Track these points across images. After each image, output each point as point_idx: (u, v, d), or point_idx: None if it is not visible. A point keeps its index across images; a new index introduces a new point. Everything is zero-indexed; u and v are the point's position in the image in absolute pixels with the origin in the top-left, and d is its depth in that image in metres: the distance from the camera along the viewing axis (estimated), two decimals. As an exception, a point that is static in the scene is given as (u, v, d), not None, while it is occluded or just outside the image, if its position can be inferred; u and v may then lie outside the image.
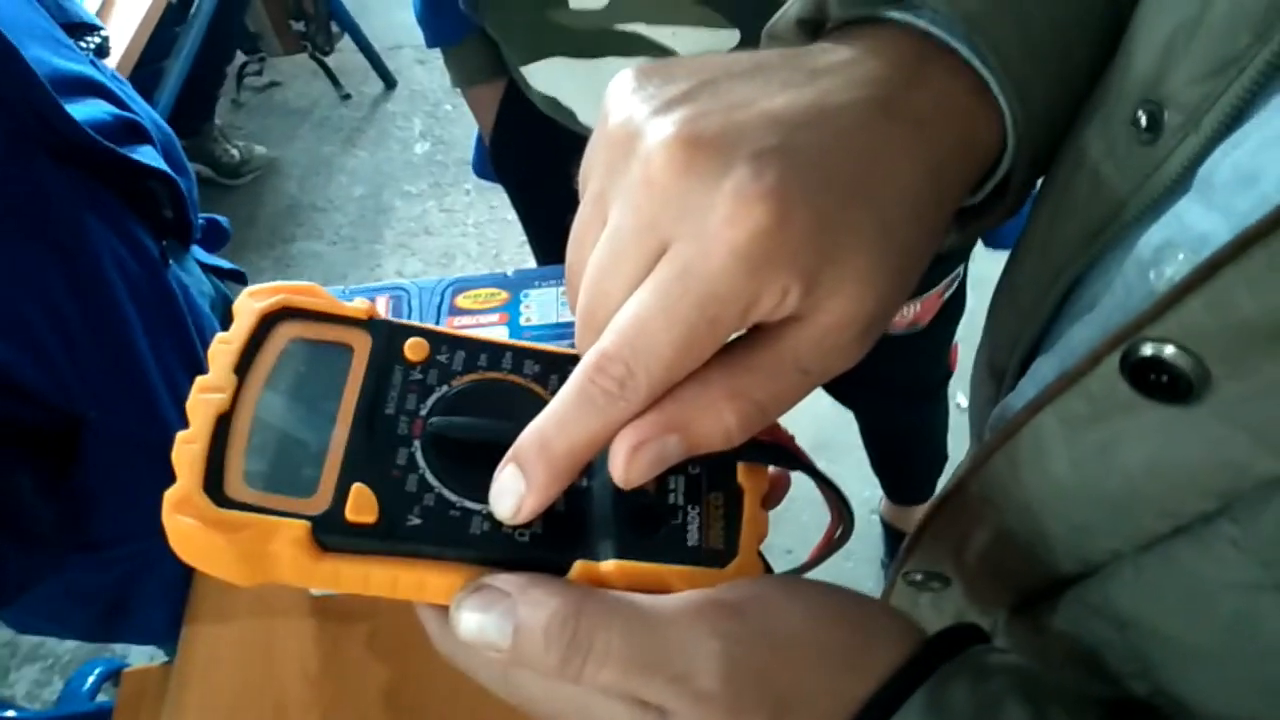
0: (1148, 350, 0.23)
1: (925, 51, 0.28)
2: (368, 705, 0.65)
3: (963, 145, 0.28)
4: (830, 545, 0.32)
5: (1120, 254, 0.28)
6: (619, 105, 0.26)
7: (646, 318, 0.24)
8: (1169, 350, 0.22)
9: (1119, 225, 0.28)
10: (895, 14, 0.28)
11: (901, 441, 1.36)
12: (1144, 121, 0.26)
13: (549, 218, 1.04)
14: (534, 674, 0.25)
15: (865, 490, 1.58)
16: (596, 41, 0.78)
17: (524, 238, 2.13)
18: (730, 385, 0.25)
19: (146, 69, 1.63)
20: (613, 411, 0.24)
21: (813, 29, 0.31)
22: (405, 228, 2.22)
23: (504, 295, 0.72)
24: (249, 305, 0.28)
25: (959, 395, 1.63)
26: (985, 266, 1.15)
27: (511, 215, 2.18)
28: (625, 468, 0.25)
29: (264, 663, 0.67)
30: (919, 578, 0.37)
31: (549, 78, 0.84)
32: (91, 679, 1.34)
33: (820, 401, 1.42)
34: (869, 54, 0.27)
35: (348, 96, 2.54)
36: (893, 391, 1.19)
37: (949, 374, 1.24)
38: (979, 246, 1.02)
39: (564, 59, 0.81)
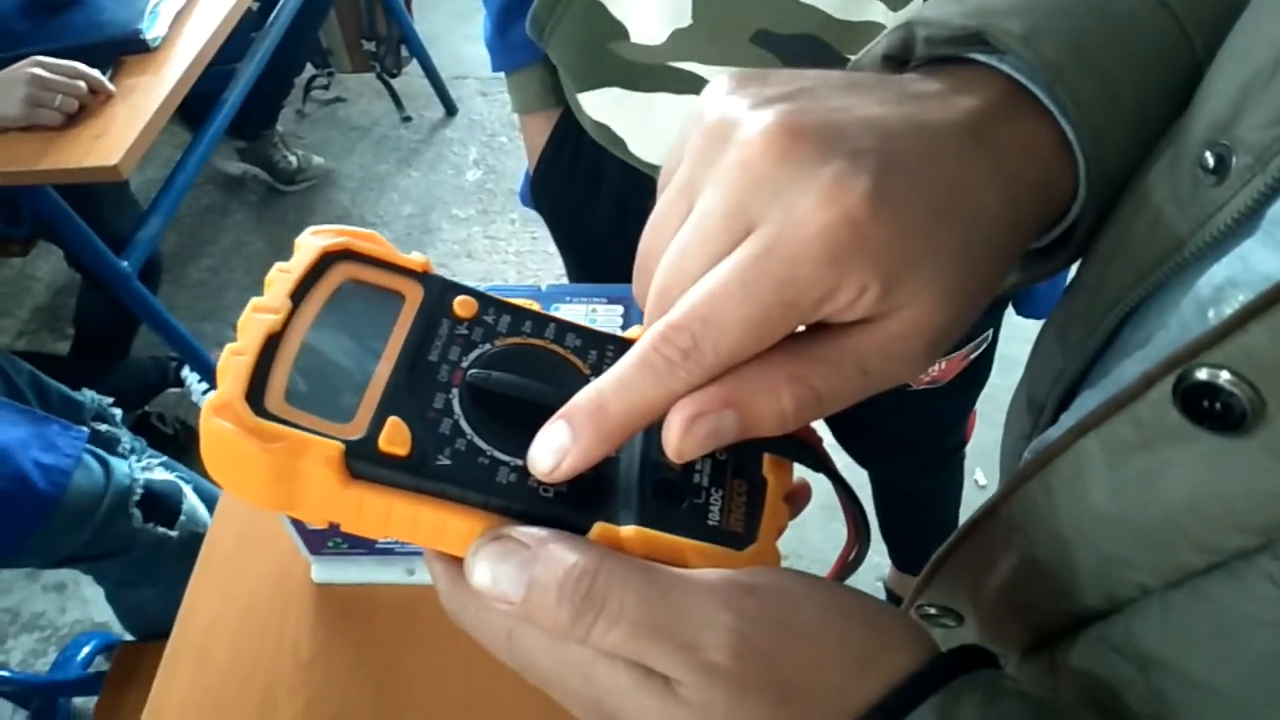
0: (1202, 375, 0.22)
1: (1011, 94, 0.28)
2: (355, 694, 0.64)
3: (1040, 186, 0.28)
4: (846, 566, 0.31)
5: (1176, 292, 0.28)
6: (716, 102, 0.26)
7: (722, 293, 0.24)
8: (1224, 377, 0.22)
9: (1176, 263, 0.28)
10: (980, 56, 0.29)
11: (913, 506, 1.34)
12: (1211, 163, 0.26)
13: (585, 250, 1.05)
14: (540, 634, 0.25)
15: (874, 556, 1.55)
16: (653, 76, 0.79)
17: (562, 270, 2.16)
18: (793, 369, 0.25)
19: (219, 69, 1.68)
20: (672, 381, 0.24)
21: (897, 66, 0.31)
22: (449, 249, 2.25)
23: (535, 307, 0.72)
24: (312, 241, 0.29)
25: (977, 471, 1.62)
26: (1013, 347, 1.15)
27: (553, 248, 2.22)
28: (680, 438, 0.24)
29: (258, 643, 0.67)
30: (932, 611, 0.36)
31: (604, 107, 0.86)
32: (87, 649, 1.34)
33: (834, 462, 1.41)
34: (959, 88, 0.28)
35: (408, 119, 2.60)
36: (908, 450, 1.18)
37: (964, 442, 1.23)
38: (1010, 316, 1.02)
39: (620, 90, 0.82)
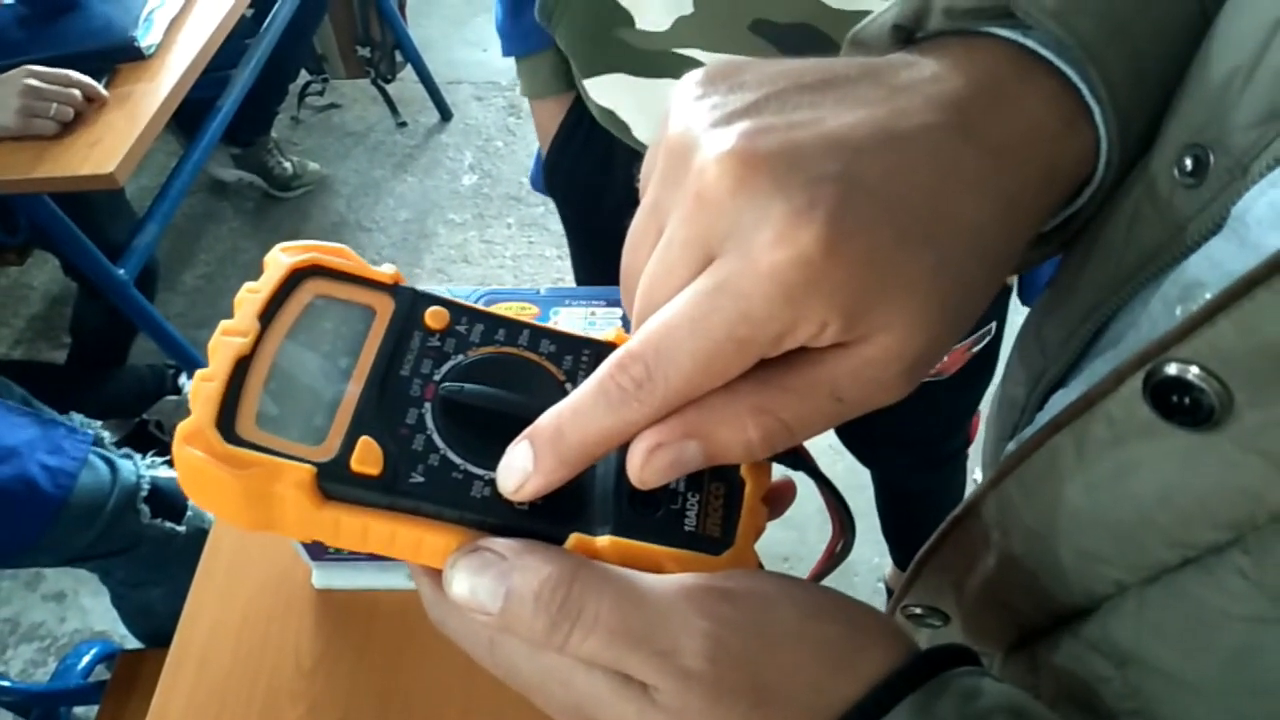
0: (1172, 370, 0.22)
1: (1022, 72, 0.26)
2: (357, 701, 0.64)
3: (1044, 175, 0.26)
4: (832, 559, 0.31)
5: (1149, 293, 0.28)
6: (681, 112, 0.25)
7: (674, 325, 0.23)
8: (1193, 371, 0.22)
9: (1155, 268, 0.27)
10: (1004, 32, 0.27)
11: (915, 505, 1.34)
12: (1188, 165, 0.26)
13: (592, 234, 1.06)
14: (520, 643, 0.25)
15: (875, 557, 1.56)
16: (657, 62, 0.80)
17: (559, 274, 2.17)
18: (759, 401, 0.24)
19: (214, 75, 1.69)
20: (625, 411, 0.24)
21: (905, 37, 0.29)
22: (445, 254, 2.26)
23: (534, 310, 0.74)
24: (280, 259, 0.29)
25: (976, 471, 1.62)
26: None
27: (549, 252, 2.24)
28: (640, 467, 0.25)
29: (260, 651, 0.67)
30: (918, 611, 0.37)
31: (609, 92, 0.87)
32: (87, 659, 1.34)
33: (837, 464, 1.41)
34: (955, 70, 0.26)
35: (404, 124, 2.60)
36: (911, 447, 1.18)
37: (968, 442, 1.23)
38: (1015, 305, 1.01)
39: (625, 75, 0.84)
